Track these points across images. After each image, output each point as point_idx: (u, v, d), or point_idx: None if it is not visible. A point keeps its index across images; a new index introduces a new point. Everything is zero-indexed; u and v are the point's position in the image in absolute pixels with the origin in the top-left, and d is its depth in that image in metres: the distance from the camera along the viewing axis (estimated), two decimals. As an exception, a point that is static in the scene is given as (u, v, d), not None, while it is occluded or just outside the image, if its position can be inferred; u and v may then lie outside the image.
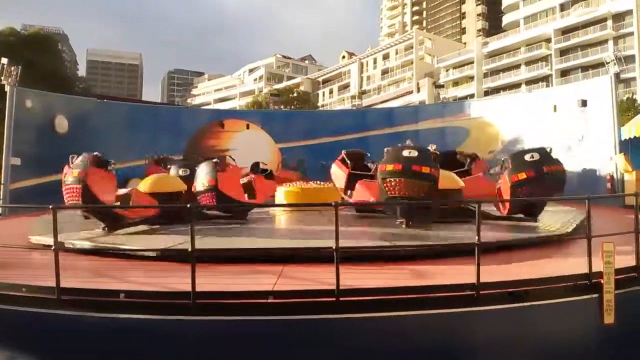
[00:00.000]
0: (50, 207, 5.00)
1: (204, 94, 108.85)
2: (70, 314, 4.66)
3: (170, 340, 4.59)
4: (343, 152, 11.56)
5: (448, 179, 9.25)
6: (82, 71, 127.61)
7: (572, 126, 16.59)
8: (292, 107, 52.09)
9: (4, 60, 15.14)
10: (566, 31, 57.09)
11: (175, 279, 5.12)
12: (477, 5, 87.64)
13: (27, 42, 33.31)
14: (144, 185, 9.36)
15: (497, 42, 65.48)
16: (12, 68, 15.26)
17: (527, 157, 8.61)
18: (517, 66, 62.20)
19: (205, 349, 4.59)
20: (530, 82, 59.48)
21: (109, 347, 4.62)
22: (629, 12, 51.39)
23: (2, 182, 15.21)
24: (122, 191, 8.96)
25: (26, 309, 4.74)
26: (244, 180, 11.06)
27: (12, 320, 4.81)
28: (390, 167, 8.11)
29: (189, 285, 4.53)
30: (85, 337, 4.66)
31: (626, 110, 31.01)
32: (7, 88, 15.32)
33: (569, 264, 5.67)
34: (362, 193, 9.64)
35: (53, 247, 4.78)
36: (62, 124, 16.83)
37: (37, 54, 31.18)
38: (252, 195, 10.88)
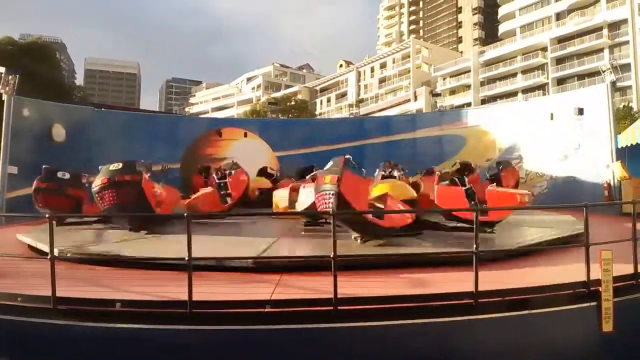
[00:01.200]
0: (47, 216, 4.99)
1: (202, 102, 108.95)
2: (66, 323, 4.63)
3: (167, 349, 4.55)
4: None
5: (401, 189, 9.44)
6: (80, 80, 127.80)
7: (568, 134, 16.64)
8: (290, 115, 52.19)
9: (2, 69, 15.15)
10: (562, 40, 57.39)
11: (171, 288, 5.09)
12: (473, 14, 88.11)
13: (25, 51, 33.42)
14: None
15: (493, 51, 65.78)
16: (10, 77, 15.25)
17: None
18: (514, 75, 62.45)
19: (202, 358, 4.56)
20: (526, 90, 59.70)
21: (105, 357, 4.59)
22: (624, 21, 51.72)
23: (-1, 191, 15.16)
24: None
25: (22, 319, 4.71)
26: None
27: (8, 330, 4.77)
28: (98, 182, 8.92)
29: (185, 294, 4.51)
30: (81, 347, 4.62)
31: (622, 118, 31.12)
32: (4, 97, 15.30)
33: (567, 272, 5.66)
34: None
35: (49, 256, 4.76)
36: (59, 132, 16.80)
37: (35, 63, 31.24)
38: None
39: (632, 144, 14.95)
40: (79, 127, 17.55)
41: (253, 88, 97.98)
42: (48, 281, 4.64)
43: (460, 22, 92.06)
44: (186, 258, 4.72)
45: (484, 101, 62.09)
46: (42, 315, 4.66)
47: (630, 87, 49.32)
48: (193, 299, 4.52)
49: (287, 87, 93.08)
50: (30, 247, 7.99)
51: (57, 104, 19.09)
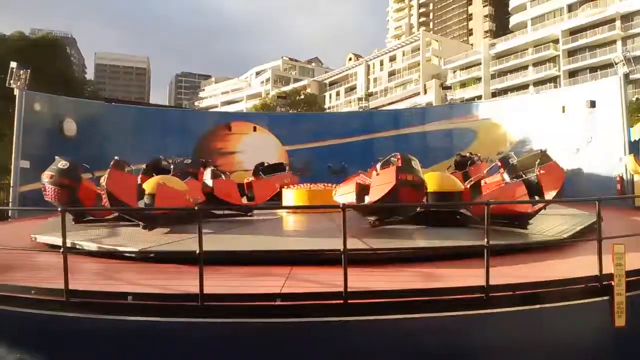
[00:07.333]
0: (59, 209, 5.02)
1: (211, 96, 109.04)
2: (79, 316, 4.68)
3: (178, 342, 4.58)
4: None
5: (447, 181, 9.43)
6: (90, 74, 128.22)
7: (580, 127, 16.48)
8: (299, 109, 52.13)
9: (13, 64, 15.25)
10: (574, 32, 56.66)
11: (182, 281, 5.12)
12: (484, 6, 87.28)
13: (35, 46, 33.47)
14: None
15: (504, 44, 65.08)
16: (21, 72, 15.36)
17: None
18: (525, 67, 61.78)
19: (213, 351, 4.59)
20: (538, 83, 59.09)
21: (117, 349, 4.63)
22: (638, 12, 50.90)
23: (12, 185, 15.31)
24: None
25: (35, 311, 4.76)
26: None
27: (21, 322, 4.82)
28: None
29: (196, 287, 4.53)
30: (93, 339, 4.67)
31: (635, 111, 30.70)
32: (16, 92, 15.42)
33: (579, 266, 5.62)
34: None
35: (62, 250, 4.80)
36: (70, 127, 16.91)
37: (45, 58, 31.33)
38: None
39: (645, 137, 14.78)
40: (89, 121, 17.65)
41: (262, 82, 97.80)
42: (61, 274, 4.68)
43: (471, 14, 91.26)
44: (197, 251, 4.75)
45: (494, 94, 61.55)
46: (55, 308, 4.71)
47: (643, 79, 48.64)
48: (204, 292, 4.54)
49: (296, 80, 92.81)
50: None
51: (68, 98, 19.23)
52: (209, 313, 4.56)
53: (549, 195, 8.44)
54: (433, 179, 9.25)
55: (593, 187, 14.73)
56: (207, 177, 11.20)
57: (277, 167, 13.52)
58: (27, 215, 13.63)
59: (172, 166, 11.98)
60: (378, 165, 8.93)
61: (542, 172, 8.57)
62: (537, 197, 8.56)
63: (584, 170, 16.01)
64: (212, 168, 11.73)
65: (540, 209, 8.71)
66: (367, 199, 8.43)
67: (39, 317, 4.75)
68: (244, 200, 11.37)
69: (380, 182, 8.45)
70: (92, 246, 7.09)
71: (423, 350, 4.69)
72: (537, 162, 8.75)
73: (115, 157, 8.91)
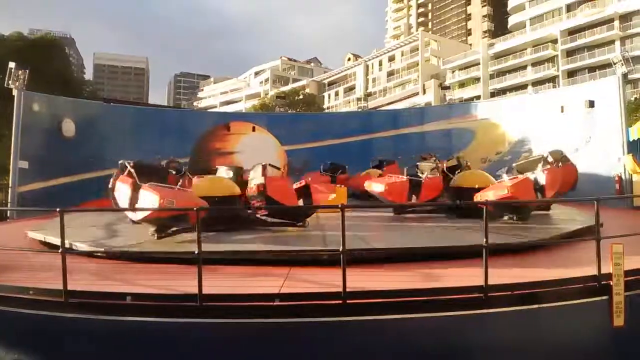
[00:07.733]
0: (57, 210, 5.01)
1: (210, 97, 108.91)
2: (77, 316, 4.67)
3: (177, 342, 4.58)
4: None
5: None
6: (88, 75, 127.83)
7: (579, 127, 16.48)
8: (298, 109, 52.09)
9: (12, 65, 15.22)
10: (573, 32, 56.66)
11: (181, 282, 5.11)
12: (482, 6, 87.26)
13: (34, 46, 33.37)
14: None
15: (503, 44, 65.06)
16: (20, 72, 15.33)
17: None
18: (524, 67, 61.78)
19: (212, 351, 4.58)
20: (536, 83, 59.07)
21: (115, 349, 4.62)
22: (636, 12, 50.89)
23: (10, 185, 15.28)
24: None
25: (33, 312, 4.75)
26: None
27: (19, 323, 4.81)
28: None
29: (195, 287, 4.53)
30: (91, 340, 4.66)
31: (634, 110, 30.65)
32: (14, 92, 15.40)
33: (578, 266, 5.62)
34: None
35: (60, 250, 4.79)
36: (69, 127, 16.90)
37: (44, 58, 31.25)
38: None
39: (643, 137, 14.78)
40: (88, 121, 17.64)
41: (261, 82, 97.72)
42: (59, 274, 4.67)
43: (470, 14, 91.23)
44: (196, 252, 4.75)
45: (493, 94, 61.54)
46: (54, 309, 4.70)
47: (641, 79, 48.61)
48: (203, 292, 4.53)
49: (295, 81, 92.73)
50: (41, 241, 8.06)
51: (67, 98, 19.20)
52: (208, 313, 4.56)
53: (549, 195, 8.92)
54: (476, 177, 10.94)
55: (591, 187, 14.73)
56: (257, 174, 9.97)
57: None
58: (25, 216, 13.61)
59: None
60: (429, 171, 11.46)
61: (547, 170, 9.12)
62: (539, 194, 8.96)
63: (582, 170, 15.99)
64: (264, 163, 10.31)
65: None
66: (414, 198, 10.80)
67: (37, 317, 4.74)
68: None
69: (431, 186, 11.15)
70: (91, 246, 7.07)
71: (421, 350, 4.69)
72: (540, 165, 9.75)
73: (120, 161, 8.72)
